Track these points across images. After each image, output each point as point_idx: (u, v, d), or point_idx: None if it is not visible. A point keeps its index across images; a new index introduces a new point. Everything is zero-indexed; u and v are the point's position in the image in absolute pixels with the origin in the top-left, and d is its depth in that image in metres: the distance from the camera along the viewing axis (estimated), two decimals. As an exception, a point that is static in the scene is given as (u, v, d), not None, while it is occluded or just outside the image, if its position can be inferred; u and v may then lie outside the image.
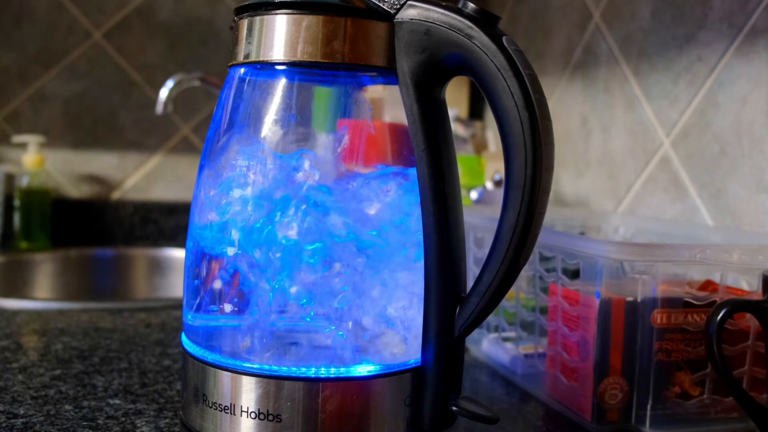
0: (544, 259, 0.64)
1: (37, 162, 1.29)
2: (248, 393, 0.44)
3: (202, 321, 0.48)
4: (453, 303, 0.45)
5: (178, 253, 1.32)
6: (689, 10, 0.85)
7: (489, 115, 1.39)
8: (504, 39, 0.42)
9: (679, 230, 0.73)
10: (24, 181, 1.29)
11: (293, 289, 0.45)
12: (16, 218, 1.29)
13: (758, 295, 0.55)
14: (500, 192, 0.82)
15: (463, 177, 1.02)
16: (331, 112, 0.48)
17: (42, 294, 1.25)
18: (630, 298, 0.55)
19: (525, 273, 0.65)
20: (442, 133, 0.45)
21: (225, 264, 0.46)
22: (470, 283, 0.45)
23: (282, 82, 0.46)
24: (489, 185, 1.06)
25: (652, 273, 0.54)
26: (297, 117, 0.46)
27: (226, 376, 0.44)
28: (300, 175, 0.45)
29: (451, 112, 1.18)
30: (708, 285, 0.59)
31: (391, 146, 0.48)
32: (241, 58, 0.45)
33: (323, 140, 0.47)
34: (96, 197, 1.40)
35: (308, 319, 0.45)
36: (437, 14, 0.43)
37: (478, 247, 0.74)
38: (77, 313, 0.87)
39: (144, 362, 0.68)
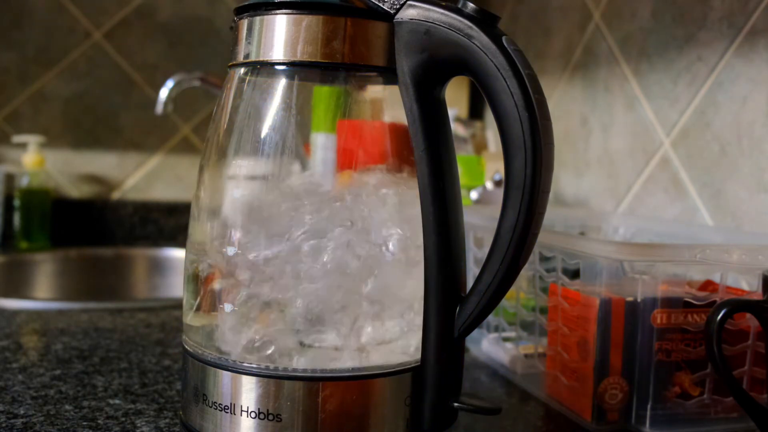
0: (544, 259, 0.64)
1: (37, 162, 1.29)
2: (248, 393, 0.44)
3: (202, 321, 0.48)
4: (453, 303, 0.45)
5: (178, 253, 1.32)
6: (689, 10, 0.85)
7: (489, 115, 1.39)
8: (504, 39, 0.42)
9: (679, 230, 0.73)
10: (24, 181, 1.29)
11: (293, 289, 0.45)
12: (16, 218, 1.29)
13: (758, 295, 0.55)
14: (500, 192, 0.82)
15: (463, 177, 1.02)
16: (330, 112, 0.48)
17: (42, 294, 1.25)
18: (630, 298, 0.55)
19: (525, 273, 0.65)
20: (442, 133, 0.45)
21: (225, 264, 0.46)
22: (470, 283, 0.45)
23: (282, 82, 0.46)
24: (489, 185, 1.06)
25: (652, 273, 0.54)
26: (297, 117, 0.46)
27: (226, 375, 0.44)
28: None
29: (451, 112, 1.18)
30: (708, 285, 0.59)
31: (391, 146, 0.48)
32: (241, 58, 0.45)
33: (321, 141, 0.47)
34: (96, 197, 1.40)
35: (309, 319, 0.45)
36: (437, 14, 0.43)
37: (478, 247, 0.74)
38: (77, 313, 0.86)
39: (144, 362, 0.68)
